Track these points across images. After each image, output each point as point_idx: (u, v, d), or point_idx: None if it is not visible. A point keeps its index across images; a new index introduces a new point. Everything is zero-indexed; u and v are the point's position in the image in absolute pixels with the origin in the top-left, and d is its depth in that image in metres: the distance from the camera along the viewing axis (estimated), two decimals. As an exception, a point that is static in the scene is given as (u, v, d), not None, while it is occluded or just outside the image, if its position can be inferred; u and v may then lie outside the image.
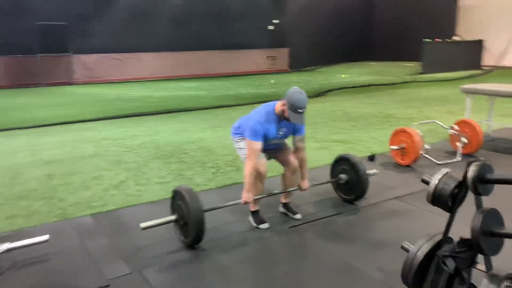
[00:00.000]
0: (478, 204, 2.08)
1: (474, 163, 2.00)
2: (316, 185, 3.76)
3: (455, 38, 17.39)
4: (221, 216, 3.56)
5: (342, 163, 3.83)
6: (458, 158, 5.10)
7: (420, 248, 2.14)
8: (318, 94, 11.04)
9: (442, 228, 2.17)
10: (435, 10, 18.90)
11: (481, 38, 17.34)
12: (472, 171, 1.98)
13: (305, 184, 3.54)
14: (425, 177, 2.20)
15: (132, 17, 15.85)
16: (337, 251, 3.02)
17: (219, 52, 17.88)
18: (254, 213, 3.49)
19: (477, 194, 2.03)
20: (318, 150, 5.68)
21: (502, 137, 6.18)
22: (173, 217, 3.10)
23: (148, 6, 16.22)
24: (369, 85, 12.60)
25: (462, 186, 2.08)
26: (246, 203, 3.28)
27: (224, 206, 3.38)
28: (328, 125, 7.22)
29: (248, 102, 9.90)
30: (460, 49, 16.84)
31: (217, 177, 4.65)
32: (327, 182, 3.90)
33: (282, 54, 19.60)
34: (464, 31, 18.30)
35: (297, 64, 19.71)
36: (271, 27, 19.05)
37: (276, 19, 19.06)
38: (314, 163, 4.79)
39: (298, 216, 3.57)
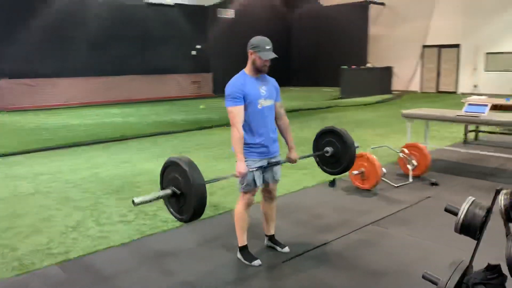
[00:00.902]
0: (508, 231, 2.15)
1: (504, 191, 2.08)
2: (303, 157, 3.60)
3: (368, 65, 18.68)
4: (207, 254, 3.35)
5: (326, 136, 3.66)
6: (410, 180, 5.37)
7: (449, 279, 2.16)
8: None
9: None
10: (348, 38, 20.21)
11: (390, 65, 18.82)
12: (504, 199, 2.05)
13: (295, 154, 3.41)
14: (450, 207, 2.25)
15: (46, 40, 14.84)
16: (340, 285, 2.96)
17: (141, 76, 17.36)
18: (243, 249, 3.32)
19: (509, 221, 2.10)
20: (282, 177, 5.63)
21: (439, 158, 6.65)
22: (168, 191, 2.75)
23: (63, 28, 15.31)
24: (300, 109, 12.97)
25: (489, 213, 2.14)
26: (241, 174, 3.03)
27: (223, 178, 3.21)
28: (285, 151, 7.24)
29: (186, 129, 9.68)
30: (373, 75, 18.11)
31: (184, 212, 4.38)
32: (315, 155, 3.71)
33: (206, 79, 19.56)
34: (375, 59, 19.77)
35: (221, 89, 19.71)
36: (194, 52, 18.99)
37: (199, 44, 19.05)
38: (282, 191, 4.74)
39: (286, 249, 3.46)
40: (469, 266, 2.21)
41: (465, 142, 7.81)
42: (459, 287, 2.17)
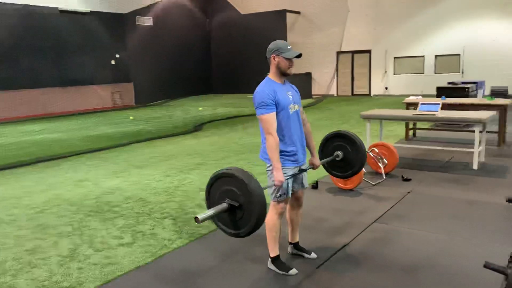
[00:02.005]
0: None
1: None
2: (323, 162, 3.59)
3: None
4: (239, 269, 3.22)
5: (334, 140, 3.68)
6: (384, 177, 5.67)
7: (518, 262, 2.32)
8: (196, 127, 10.91)
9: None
10: (267, 45, 20.67)
11: (308, 71, 19.65)
12: None
13: (318, 160, 3.42)
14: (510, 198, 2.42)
15: None
16: (384, 284, 3.03)
17: (57, 89, 16.15)
18: (276, 260, 3.25)
19: None
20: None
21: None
22: (224, 205, 2.59)
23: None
24: (238, 116, 12.99)
25: None
26: (281, 183, 2.96)
27: (266, 188, 2.95)
28: (242, 158, 7.19)
29: (127, 142, 9.20)
30: (295, 81, 18.67)
31: (183, 228, 4.17)
32: (328, 160, 3.66)
33: (127, 89, 18.76)
34: (295, 65, 20.47)
35: (143, 99, 19.13)
36: (113, 62, 18.11)
37: (118, 53, 18.23)
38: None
39: (314, 255, 3.45)
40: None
41: (407, 138, 8.42)
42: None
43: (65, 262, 3.49)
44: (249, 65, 21.49)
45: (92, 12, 17.10)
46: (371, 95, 19.88)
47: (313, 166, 3.42)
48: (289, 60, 3.04)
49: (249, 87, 21.25)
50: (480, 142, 6.05)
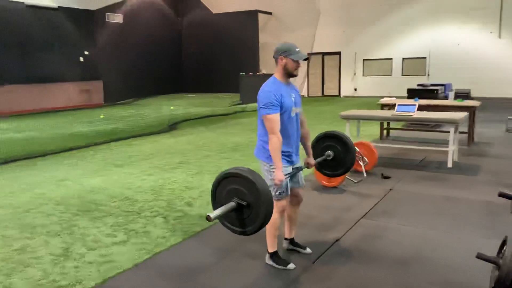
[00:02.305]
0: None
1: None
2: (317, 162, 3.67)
3: (263, 71, 19.44)
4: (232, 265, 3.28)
5: (325, 141, 3.77)
6: (364, 175, 5.85)
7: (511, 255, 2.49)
8: (171, 126, 10.85)
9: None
10: (239, 45, 20.80)
11: (281, 71, 19.81)
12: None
13: (313, 160, 3.52)
14: (504, 193, 2.60)
15: None
16: (379, 276, 3.16)
17: (23, 86, 15.60)
18: (275, 255, 3.33)
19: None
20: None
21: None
22: (233, 204, 2.64)
23: None
24: (212, 115, 12.99)
25: None
26: (282, 182, 3.04)
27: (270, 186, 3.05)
28: (224, 157, 7.22)
29: (106, 140, 9.06)
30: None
31: (176, 226, 4.19)
32: (320, 160, 3.73)
33: (96, 87, 18.37)
34: (266, 66, 20.65)
35: (112, 98, 18.78)
36: (82, 59, 17.70)
37: (87, 50, 17.82)
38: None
39: (308, 250, 3.55)
40: (520, 240, 2.57)
41: (381, 138, 8.69)
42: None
43: (60, 261, 3.44)
44: (221, 64, 21.52)
45: (60, 8, 16.64)
46: (341, 96, 20.30)
47: (308, 166, 3.51)
48: (297, 62, 3.11)
49: (221, 87, 21.38)
50: (453, 141, 6.33)
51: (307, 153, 3.51)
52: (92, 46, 18.03)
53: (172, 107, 15.91)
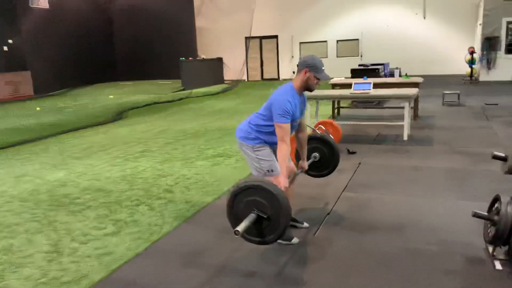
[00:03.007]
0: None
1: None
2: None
3: (202, 56, 19.21)
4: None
5: (310, 143, 3.87)
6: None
7: (508, 207, 2.76)
8: (117, 116, 10.44)
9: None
10: (176, 30, 20.32)
11: (220, 56, 19.72)
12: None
13: (306, 164, 3.63)
14: (497, 154, 2.86)
15: None
16: (376, 241, 3.34)
17: None
18: (278, 231, 3.40)
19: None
20: (213, 166, 5.65)
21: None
22: (253, 216, 2.69)
23: None
24: (156, 102, 12.67)
25: None
26: (285, 188, 3.09)
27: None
28: (187, 144, 7.11)
29: (52, 133, 8.55)
30: (208, 66, 18.74)
31: (163, 213, 4.10)
32: (309, 163, 3.83)
33: (24, 78, 17.09)
34: (204, 51, 20.44)
35: (43, 89, 17.59)
36: (6, 48, 16.37)
37: (10, 39, 16.50)
38: (227, 182, 4.84)
39: (306, 224, 3.67)
40: None
41: (334, 117, 9.01)
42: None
43: (53, 257, 3.26)
44: (157, 50, 20.91)
45: (-23, -8, 15.21)
46: (280, 79, 20.63)
47: (302, 169, 3.62)
48: (318, 79, 3.17)
49: (159, 73, 20.81)
50: (408, 116, 6.73)
51: (302, 157, 3.62)
52: (16, 33, 16.71)
53: (111, 96, 15.28)
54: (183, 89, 16.59)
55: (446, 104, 10.20)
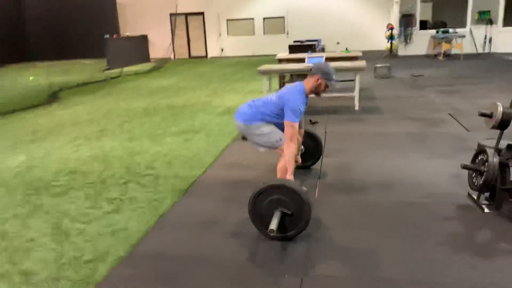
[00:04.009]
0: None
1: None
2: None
3: (127, 33, 18.38)
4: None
5: None
6: (295, 123, 6.31)
7: (494, 158, 3.17)
8: (50, 98, 9.77)
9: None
10: (94, 6, 19.18)
11: (144, 34, 19.02)
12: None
13: (299, 158, 3.85)
14: (484, 111, 3.25)
15: None
16: (372, 198, 3.64)
17: None
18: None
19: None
20: (186, 142, 5.62)
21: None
22: (279, 213, 2.87)
23: None
24: (90, 83, 12.01)
25: None
26: None
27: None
28: (145, 122, 6.92)
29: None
30: (133, 44, 18.00)
31: (158, 188, 4.06)
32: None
33: None
34: (126, 28, 19.56)
35: None
36: None
37: None
38: (199, 157, 4.91)
39: (304, 188, 3.86)
40: (497, 148, 3.27)
41: (281, 92, 9.27)
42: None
43: (61, 239, 3.13)
44: (75, 28, 19.66)
45: None
46: (208, 57, 20.46)
47: (297, 163, 3.77)
48: (327, 86, 3.43)
49: (79, 52, 19.67)
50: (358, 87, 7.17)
51: (297, 152, 3.77)
52: None
53: (31, 78, 14.14)
54: (109, 69, 15.82)
55: (378, 77, 10.93)
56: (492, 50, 15.18)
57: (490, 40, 15.10)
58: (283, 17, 19.56)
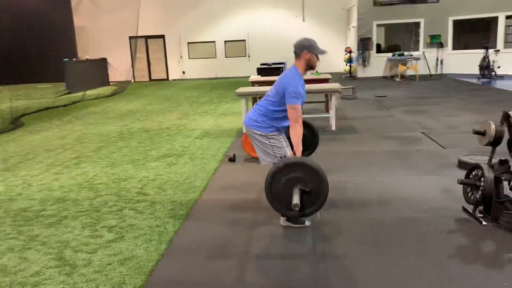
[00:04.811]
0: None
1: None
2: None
3: (86, 57, 17.98)
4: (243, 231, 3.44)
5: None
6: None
7: (489, 173, 3.37)
8: (12, 124, 9.34)
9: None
10: (51, 29, 18.69)
11: (104, 57, 18.69)
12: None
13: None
14: (478, 130, 3.45)
15: None
16: (374, 215, 3.74)
17: None
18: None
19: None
20: (171, 166, 5.54)
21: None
22: (298, 190, 2.95)
23: None
24: (53, 107, 11.59)
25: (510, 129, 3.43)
26: None
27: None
28: (123, 146, 6.76)
29: None
30: (93, 67, 17.63)
31: (156, 214, 3.97)
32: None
33: None
34: (84, 51, 19.16)
35: None
36: None
37: None
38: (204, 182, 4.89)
39: (308, 222, 3.90)
40: (491, 164, 3.48)
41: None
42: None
43: (69, 271, 2.98)
44: (30, 51, 19.03)
45: None
46: (170, 79, 20.34)
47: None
48: (317, 56, 3.44)
49: (34, 76, 19.00)
50: (334, 108, 7.39)
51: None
52: None
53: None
54: (69, 92, 15.37)
55: (344, 98, 11.29)
56: (444, 71, 16.12)
57: (441, 62, 16.04)
58: (244, 40, 19.87)
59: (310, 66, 3.48)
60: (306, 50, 3.41)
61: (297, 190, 2.89)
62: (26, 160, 6.17)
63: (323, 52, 3.47)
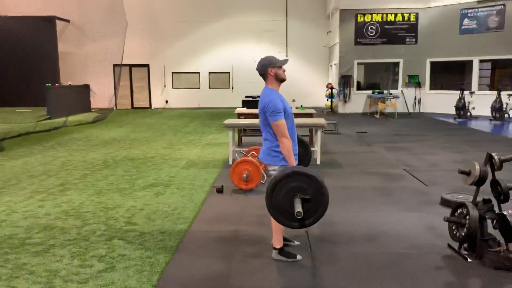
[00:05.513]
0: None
1: (494, 155, 3.59)
2: None
3: (69, 82, 17.90)
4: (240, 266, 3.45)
5: None
6: (265, 176, 6.47)
7: (474, 212, 3.51)
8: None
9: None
10: (35, 54, 18.60)
11: (84, 83, 18.63)
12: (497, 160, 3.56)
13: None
14: (463, 169, 3.61)
15: None
16: (365, 250, 3.82)
17: None
18: (282, 250, 3.63)
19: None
20: (158, 196, 5.53)
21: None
22: (298, 200, 2.97)
23: None
24: (34, 132, 11.43)
25: (494, 171, 3.60)
26: None
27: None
28: (109, 174, 6.71)
29: None
30: (75, 93, 17.54)
31: (146, 245, 3.95)
32: None
33: None
34: (67, 77, 19.09)
35: None
36: None
37: None
38: (192, 214, 4.91)
39: (297, 242, 3.96)
40: (475, 202, 3.63)
41: (239, 144, 9.45)
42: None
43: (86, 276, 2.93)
44: (11, 75, 18.80)
45: None
46: (152, 108, 20.36)
47: None
48: (281, 68, 3.53)
49: (14, 101, 18.71)
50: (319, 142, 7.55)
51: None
52: None
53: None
54: (49, 118, 15.20)
55: (326, 132, 11.51)
56: (422, 110, 16.66)
57: (419, 101, 16.60)
58: (229, 73, 20.18)
59: (280, 80, 3.54)
60: (270, 68, 3.50)
61: (298, 200, 2.95)
62: (9, 186, 6.06)
63: (285, 62, 3.55)
